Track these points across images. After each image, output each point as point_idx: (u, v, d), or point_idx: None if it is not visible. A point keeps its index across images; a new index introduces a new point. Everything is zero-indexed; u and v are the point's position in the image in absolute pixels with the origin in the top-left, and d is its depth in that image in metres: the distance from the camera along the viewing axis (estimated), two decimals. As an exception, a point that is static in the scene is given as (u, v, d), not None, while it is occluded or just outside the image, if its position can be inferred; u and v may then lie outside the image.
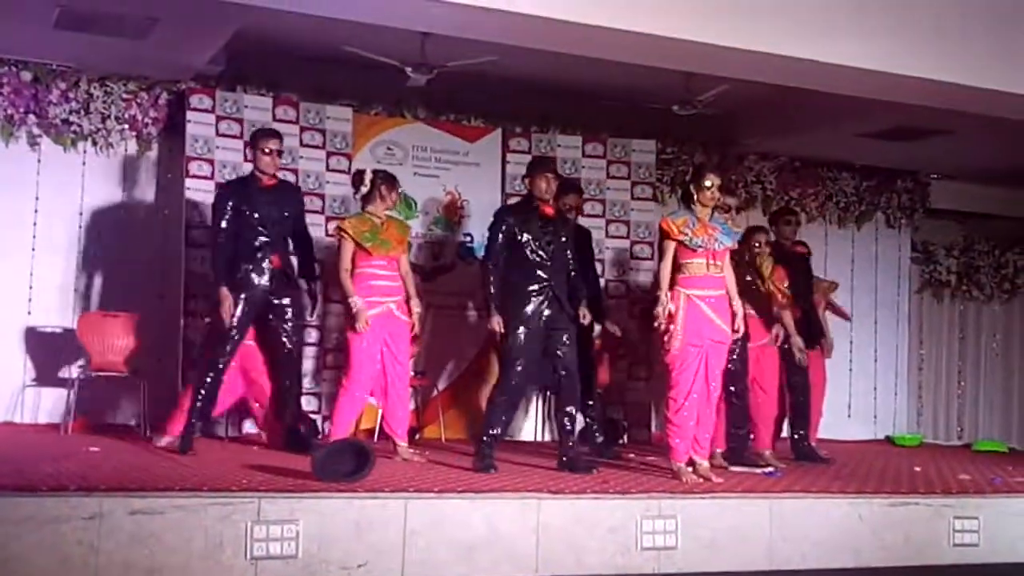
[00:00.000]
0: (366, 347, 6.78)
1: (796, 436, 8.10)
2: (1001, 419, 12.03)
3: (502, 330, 6.62)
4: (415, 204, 8.94)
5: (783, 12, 6.58)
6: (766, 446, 7.72)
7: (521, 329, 6.61)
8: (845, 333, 10.80)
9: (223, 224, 6.84)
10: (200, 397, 6.78)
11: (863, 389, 11.02)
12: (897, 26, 6.85)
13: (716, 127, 9.97)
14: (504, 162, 9.35)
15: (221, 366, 6.82)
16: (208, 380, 6.80)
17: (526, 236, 6.73)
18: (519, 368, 6.62)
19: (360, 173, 7.06)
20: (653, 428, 9.23)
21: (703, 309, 6.38)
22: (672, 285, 6.42)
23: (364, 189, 6.94)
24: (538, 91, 9.19)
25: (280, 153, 7.06)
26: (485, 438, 6.59)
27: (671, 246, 6.41)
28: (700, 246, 6.36)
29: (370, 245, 6.81)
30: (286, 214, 7.03)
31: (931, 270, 11.85)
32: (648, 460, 7.30)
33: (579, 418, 6.89)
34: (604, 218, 9.51)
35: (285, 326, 6.99)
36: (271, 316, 6.96)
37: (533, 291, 6.67)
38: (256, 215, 6.86)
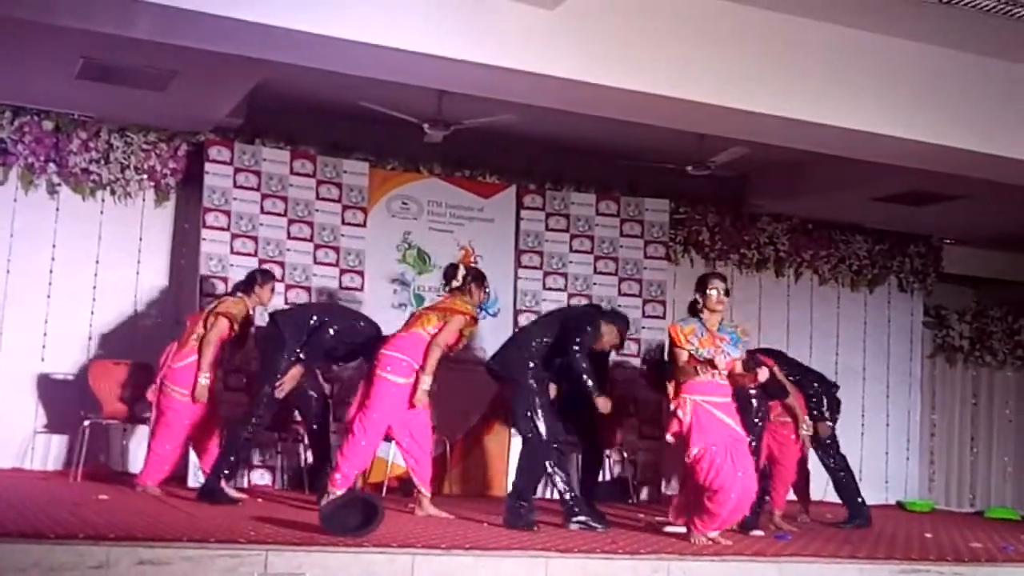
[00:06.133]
0: (392, 410, 6.87)
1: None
2: (1014, 486, 11.95)
3: None
4: (429, 259, 8.99)
5: (798, 77, 6.65)
6: (779, 507, 7.68)
7: None
8: (857, 397, 10.76)
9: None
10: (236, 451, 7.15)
11: (874, 453, 10.94)
12: (911, 92, 6.90)
13: (729, 188, 10.04)
14: (518, 219, 9.40)
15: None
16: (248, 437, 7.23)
17: None
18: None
19: (454, 267, 7.21)
20: (663, 488, 9.21)
21: (712, 412, 6.35)
22: (678, 392, 6.42)
23: (456, 283, 7.08)
24: (553, 149, 9.28)
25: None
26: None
27: (681, 354, 6.43)
28: (706, 359, 6.38)
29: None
30: None
31: (943, 335, 11.82)
32: (658, 520, 7.25)
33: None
34: (617, 276, 9.54)
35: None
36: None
37: None
38: None
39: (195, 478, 7.65)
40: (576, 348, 6.91)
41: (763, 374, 6.60)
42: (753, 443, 6.91)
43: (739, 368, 6.50)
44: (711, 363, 6.29)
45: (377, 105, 7.71)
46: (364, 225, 8.81)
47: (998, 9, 6.13)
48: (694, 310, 6.54)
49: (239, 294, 7.43)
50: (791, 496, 8.14)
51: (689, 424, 6.29)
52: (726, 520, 6.38)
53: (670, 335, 6.50)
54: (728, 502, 6.25)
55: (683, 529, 6.54)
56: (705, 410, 6.31)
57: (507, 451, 8.87)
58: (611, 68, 6.18)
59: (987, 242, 11.51)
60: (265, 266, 8.41)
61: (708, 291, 6.45)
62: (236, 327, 7.26)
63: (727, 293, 6.53)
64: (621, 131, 7.83)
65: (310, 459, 8.15)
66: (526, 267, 9.31)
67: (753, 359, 6.94)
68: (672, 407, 6.40)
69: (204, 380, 7.11)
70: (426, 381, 6.76)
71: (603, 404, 6.92)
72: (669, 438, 6.43)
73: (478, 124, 7.87)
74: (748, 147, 8.15)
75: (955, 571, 6.26)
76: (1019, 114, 7.17)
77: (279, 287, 8.38)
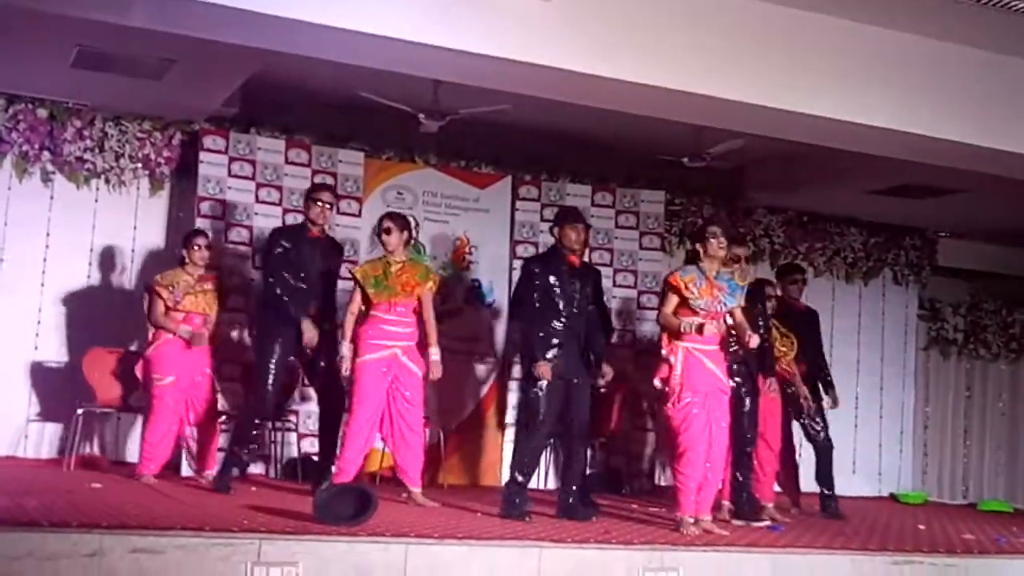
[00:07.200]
0: (366, 390, 6.76)
1: (824, 493, 8.17)
2: (1007, 478, 11.98)
3: (549, 376, 6.64)
4: (424, 249, 8.96)
5: (796, 69, 6.64)
6: (768, 499, 7.69)
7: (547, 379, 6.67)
8: (851, 389, 10.78)
9: (272, 266, 7.10)
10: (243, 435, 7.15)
11: (868, 445, 10.97)
12: (907, 85, 6.90)
13: (725, 180, 10.05)
14: (513, 209, 9.39)
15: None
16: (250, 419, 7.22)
17: (554, 286, 6.80)
18: (544, 416, 6.66)
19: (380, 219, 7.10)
20: (656, 479, 9.23)
21: (702, 360, 6.39)
22: (671, 339, 6.45)
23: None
24: (549, 140, 9.26)
25: (332, 207, 7.26)
26: (514, 485, 6.67)
27: (674, 300, 6.44)
28: (703, 308, 6.39)
29: (373, 291, 6.84)
30: (330, 268, 7.27)
31: (938, 328, 11.84)
32: (651, 511, 7.26)
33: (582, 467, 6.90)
34: (612, 267, 9.53)
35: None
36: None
37: (557, 341, 6.72)
38: (300, 263, 7.06)
39: (188, 467, 7.65)
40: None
41: (754, 340, 6.61)
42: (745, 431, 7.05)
43: (739, 315, 6.58)
44: (699, 329, 6.31)
45: (373, 95, 7.70)
46: (359, 215, 8.79)
47: (996, 2, 6.13)
48: (694, 259, 6.56)
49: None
50: (777, 489, 8.17)
51: (681, 372, 6.35)
52: (704, 491, 6.41)
53: (671, 284, 6.48)
54: (695, 466, 6.32)
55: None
56: (696, 358, 6.38)
57: (501, 441, 8.88)
58: (607, 59, 6.17)
59: (982, 236, 11.52)
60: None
61: (708, 239, 6.45)
62: (171, 291, 7.30)
63: (729, 240, 6.57)
64: (617, 122, 7.81)
65: (304, 448, 8.16)
66: (521, 258, 9.25)
67: (751, 317, 6.93)
68: (664, 353, 6.45)
69: (178, 328, 7.27)
70: (342, 347, 6.78)
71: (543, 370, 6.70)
72: (657, 382, 6.46)
73: (474, 113, 7.85)
74: (744, 139, 8.15)
75: (947, 563, 6.28)
76: (1016, 108, 7.17)
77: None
